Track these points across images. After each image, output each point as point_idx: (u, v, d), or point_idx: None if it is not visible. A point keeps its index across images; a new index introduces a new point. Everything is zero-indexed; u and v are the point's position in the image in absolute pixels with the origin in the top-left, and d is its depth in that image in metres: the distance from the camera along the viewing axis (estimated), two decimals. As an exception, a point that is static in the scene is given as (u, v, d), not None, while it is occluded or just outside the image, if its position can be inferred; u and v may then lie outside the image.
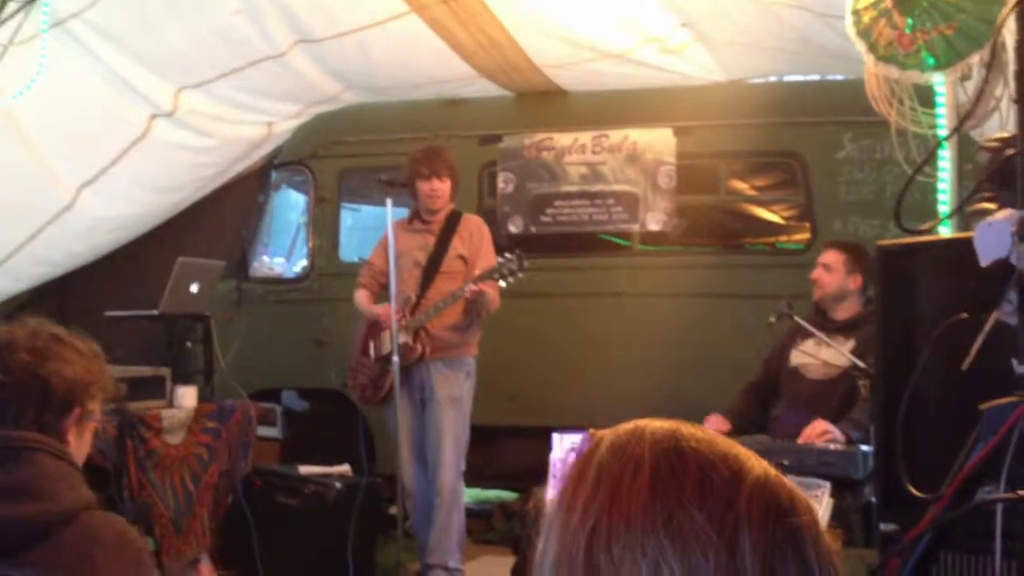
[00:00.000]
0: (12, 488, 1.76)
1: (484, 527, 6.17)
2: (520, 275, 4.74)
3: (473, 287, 4.75)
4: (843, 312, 4.45)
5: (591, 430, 0.89)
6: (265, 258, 7.03)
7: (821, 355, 4.44)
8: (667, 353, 5.90)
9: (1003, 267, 1.72)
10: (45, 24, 4.72)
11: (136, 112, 5.79)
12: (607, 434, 0.86)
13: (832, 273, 4.46)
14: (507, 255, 4.76)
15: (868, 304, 4.46)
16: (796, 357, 4.54)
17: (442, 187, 5.02)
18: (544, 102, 6.44)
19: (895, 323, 2.63)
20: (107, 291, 6.28)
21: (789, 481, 0.83)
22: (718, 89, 6.17)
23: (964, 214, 2.81)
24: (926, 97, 3.62)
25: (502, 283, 4.78)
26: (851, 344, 4.28)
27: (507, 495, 6.55)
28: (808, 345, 4.51)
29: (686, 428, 0.85)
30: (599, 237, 6.38)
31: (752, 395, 4.65)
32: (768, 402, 4.62)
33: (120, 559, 1.78)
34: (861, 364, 3.91)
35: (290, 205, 7.43)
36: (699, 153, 6.13)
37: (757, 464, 0.82)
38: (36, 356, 1.92)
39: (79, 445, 1.99)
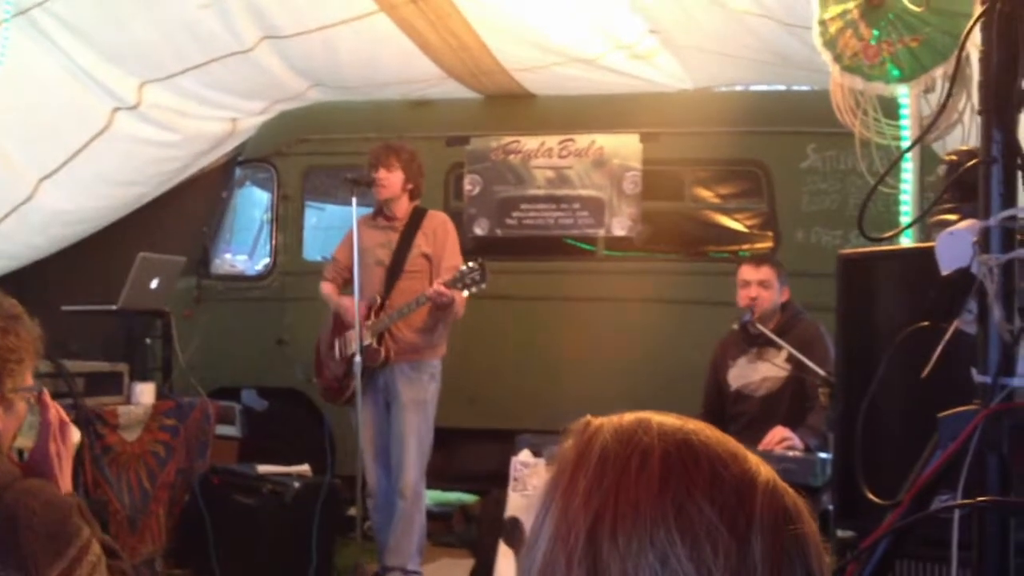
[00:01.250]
0: None
1: (444, 529, 6.16)
2: (483, 285, 4.68)
3: (435, 288, 4.72)
4: (770, 324, 4.47)
5: (588, 416, 0.86)
6: (227, 255, 6.97)
7: (758, 371, 4.47)
8: (630, 358, 5.92)
9: (963, 276, 1.74)
10: (8, 13, 4.65)
11: (99, 105, 5.72)
12: (607, 421, 0.84)
13: (770, 289, 4.49)
14: (470, 264, 4.71)
15: (786, 310, 4.51)
16: (734, 379, 4.57)
17: (388, 177, 4.96)
18: (512, 105, 6.45)
19: (855, 332, 2.65)
20: (65, 285, 6.20)
21: (790, 489, 0.82)
22: (685, 96, 6.21)
23: (925, 226, 2.84)
24: (890, 109, 3.66)
25: (465, 292, 4.75)
26: (784, 352, 4.33)
27: (467, 497, 6.54)
28: (741, 364, 4.54)
29: (693, 422, 0.83)
30: (564, 241, 6.39)
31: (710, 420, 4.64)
32: (723, 425, 4.63)
33: (45, 531, 1.73)
34: (820, 371, 3.93)
35: (254, 202, 7.37)
36: (665, 160, 6.16)
37: (765, 467, 0.82)
38: None
39: (8, 419, 1.91)
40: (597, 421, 0.85)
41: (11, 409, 1.91)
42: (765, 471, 0.82)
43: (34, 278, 6.58)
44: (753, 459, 0.82)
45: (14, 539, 1.70)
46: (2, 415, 1.89)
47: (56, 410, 2.00)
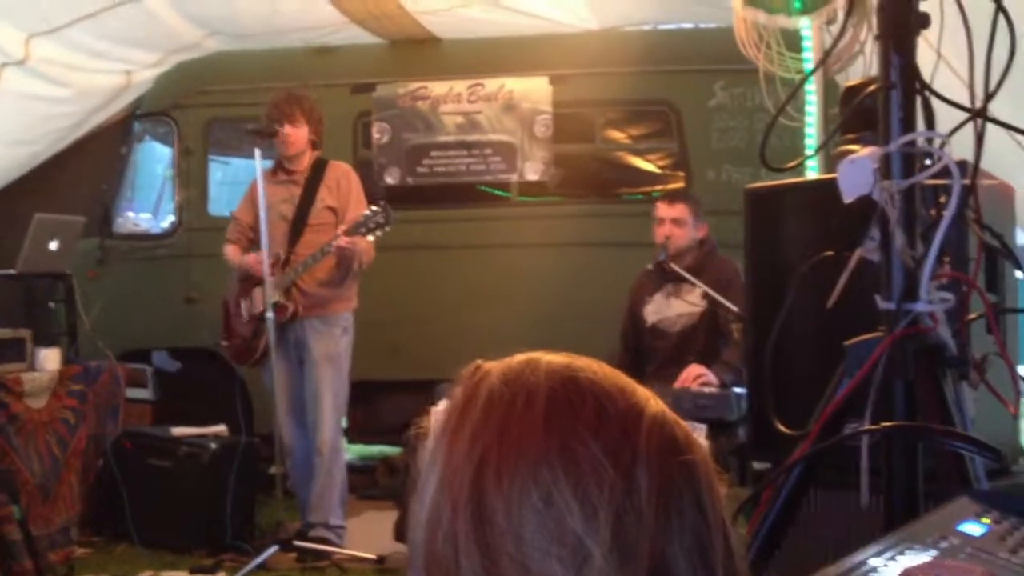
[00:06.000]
0: None
1: (367, 482, 6.14)
2: (387, 228, 4.62)
3: (342, 241, 4.64)
4: (687, 261, 4.49)
5: (478, 360, 0.84)
6: (130, 213, 6.78)
7: (673, 307, 4.50)
8: (547, 303, 5.92)
9: (866, 204, 1.74)
10: None
11: (-17, 60, 5.46)
12: (496, 364, 0.83)
13: (684, 226, 4.50)
14: (373, 208, 4.64)
15: (703, 246, 4.53)
16: (650, 314, 4.58)
17: (295, 132, 4.82)
18: (418, 50, 6.33)
19: (763, 265, 2.66)
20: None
21: (682, 421, 0.80)
22: (592, 37, 6.16)
23: (829, 157, 2.85)
24: (793, 42, 3.66)
25: (370, 237, 4.68)
26: (699, 289, 4.36)
27: (390, 450, 6.52)
28: (657, 300, 4.55)
29: (581, 360, 0.81)
30: (478, 188, 6.33)
31: (626, 359, 4.59)
32: (642, 365, 4.59)
33: None
34: (732, 307, 3.97)
35: (155, 158, 7.15)
36: (575, 102, 6.13)
37: (654, 401, 0.80)
38: None
39: None
40: (486, 365, 0.83)
41: None
42: (654, 404, 0.80)
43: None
44: (643, 393, 0.80)
45: None
46: None
47: None
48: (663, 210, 4.54)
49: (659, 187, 6.24)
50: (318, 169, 4.94)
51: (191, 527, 4.92)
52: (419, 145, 6.23)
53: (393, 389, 6.12)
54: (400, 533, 4.61)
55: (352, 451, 5.70)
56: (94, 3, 5.27)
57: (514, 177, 6.18)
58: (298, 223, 4.88)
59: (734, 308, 3.98)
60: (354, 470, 5.48)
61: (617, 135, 6.50)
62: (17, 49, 5.50)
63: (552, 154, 6.13)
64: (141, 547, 4.83)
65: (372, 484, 6.16)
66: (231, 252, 5.03)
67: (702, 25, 6.27)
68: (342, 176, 4.94)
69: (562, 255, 6.03)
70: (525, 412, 0.77)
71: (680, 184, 6.05)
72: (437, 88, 6.20)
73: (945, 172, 1.68)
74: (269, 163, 5.10)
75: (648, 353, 4.58)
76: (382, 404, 6.18)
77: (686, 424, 0.81)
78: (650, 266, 4.61)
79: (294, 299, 4.83)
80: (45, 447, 4.72)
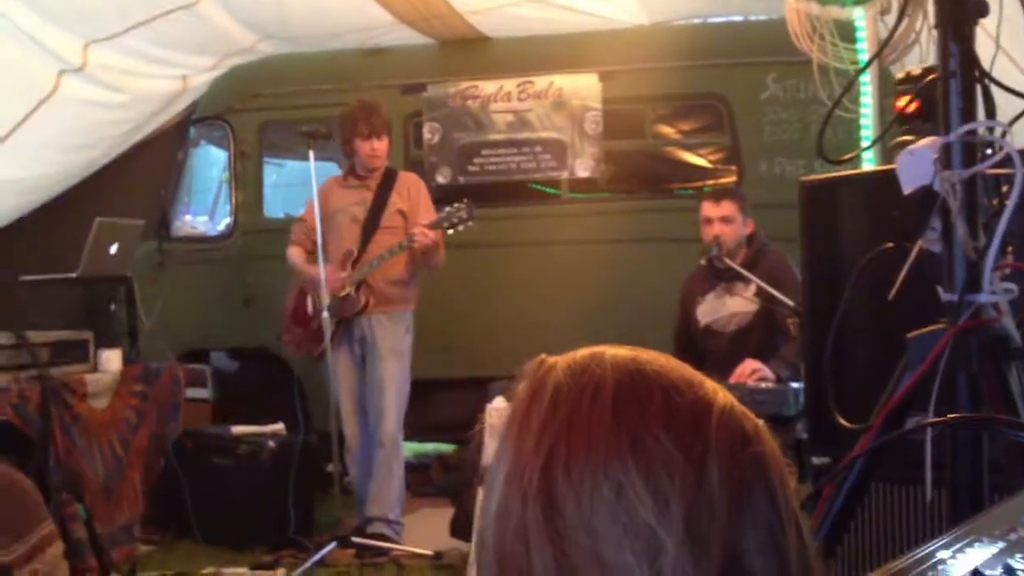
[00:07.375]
0: None
1: (422, 480, 6.17)
2: (470, 224, 4.75)
3: (423, 231, 4.73)
4: (737, 258, 4.45)
5: (542, 355, 0.84)
6: (187, 216, 6.88)
7: (727, 307, 4.45)
8: (600, 300, 5.90)
9: (926, 195, 1.72)
10: (-60, -23, 4.50)
11: (43, 68, 5.55)
12: (561, 359, 0.83)
13: (732, 224, 4.44)
14: (456, 204, 4.78)
15: (752, 243, 4.48)
16: (703, 315, 4.53)
17: (381, 146, 5.01)
18: (467, 49, 6.35)
19: (820, 259, 2.64)
20: (23, 255, 6.08)
21: (750, 413, 0.80)
22: (641, 32, 6.13)
23: (885, 148, 2.82)
24: (847, 33, 3.62)
25: (450, 231, 4.77)
26: (753, 286, 4.32)
27: (445, 447, 6.55)
28: (709, 300, 4.51)
29: (647, 353, 0.82)
30: (528, 186, 6.34)
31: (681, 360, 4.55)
32: (698, 367, 4.54)
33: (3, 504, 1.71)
34: (789, 302, 3.93)
35: (211, 161, 7.25)
36: (625, 97, 6.10)
37: (722, 393, 0.80)
38: None
39: None
40: (551, 359, 0.83)
41: None
42: (722, 396, 0.80)
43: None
44: (710, 385, 0.80)
45: None
46: None
47: None
48: (710, 209, 4.48)
49: (711, 181, 6.20)
50: (389, 177, 5.09)
51: (252, 524, 4.99)
52: (470, 144, 6.26)
53: (446, 387, 6.15)
54: (456, 529, 4.63)
55: (407, 449, 5.74)
56: (149, 10, 5.35)
57: (565, 174, 6.18)
58: (370, 224, 5.01)
59: (790, 303, 3.94)
60: (409, 468, 5.51)
61: (668, 130, 6.47)
62: (75, 56, 5.59)
63: (602, 150, 6.12)
64: (203, 544, 4.92)
65: (427, 481, 6.19)
66: (296, 255, 5.14)
67: (752, 18, 6.21)
68: (412, 185, 5.11)
69: (614, 251, 6.01)
70: (593, 405, 0.77)
71: (732, 178, 6.00)
72: (487, 87, 6.21)
73: (1007, 161, 1.66)
74: (323, 164, 5.18)
75: (702, 354, 4.55)
76: (435, 402, 6.20)
77: (752, 415, 0.82)
78: (703, 262, 4.57)
79: (364, 293, 4.93)
80: (108, 447, 4.81)
